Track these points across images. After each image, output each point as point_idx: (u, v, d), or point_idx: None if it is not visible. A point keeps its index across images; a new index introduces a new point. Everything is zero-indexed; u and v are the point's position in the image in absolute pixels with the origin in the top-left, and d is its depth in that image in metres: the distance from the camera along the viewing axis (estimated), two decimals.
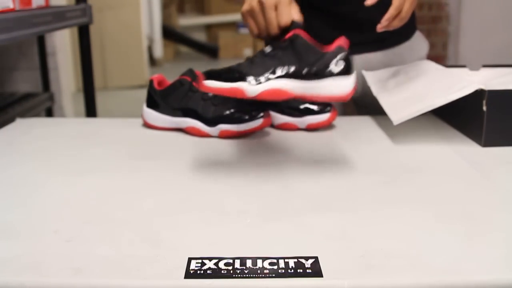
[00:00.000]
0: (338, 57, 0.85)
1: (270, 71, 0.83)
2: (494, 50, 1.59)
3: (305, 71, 0.83)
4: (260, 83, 0.82)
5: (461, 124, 1.18)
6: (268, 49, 0.86)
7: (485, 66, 1.30)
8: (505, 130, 1.07)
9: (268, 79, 0.82)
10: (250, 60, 0.85)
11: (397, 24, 1.21)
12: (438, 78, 1.17)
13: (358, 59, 1.40)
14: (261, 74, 0.83)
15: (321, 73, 0.83)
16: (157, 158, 1.03)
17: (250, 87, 0.82)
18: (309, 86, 0.83)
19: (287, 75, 0.83)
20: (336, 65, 0.84)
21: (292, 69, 0.84)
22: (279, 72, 0.83)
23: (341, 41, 0.87)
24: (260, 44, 6.05)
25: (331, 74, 0.84)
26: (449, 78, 1.15)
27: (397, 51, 1.41)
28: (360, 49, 1.40)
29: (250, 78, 0.82)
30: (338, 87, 0.84)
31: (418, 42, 1.47)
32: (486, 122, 1.06)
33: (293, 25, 0.90)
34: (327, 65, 0.84)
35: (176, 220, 0.76)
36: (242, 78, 0.82)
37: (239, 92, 0.81)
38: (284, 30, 0.95)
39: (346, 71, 0.86)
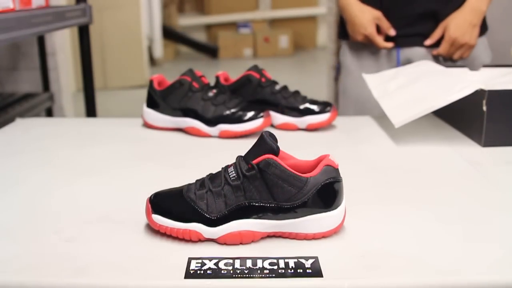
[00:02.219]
0: (322, 186, 0.68)
1: (233, 207, 0.68)
2: (494, 50, 1.59)
3: (277, 208, 0.68)
4: (219, 224, 0.68)
5: (461, 124, 1.18)
6: (232, 174, 0.69)
7: (485, 66, 1.30)
8: (505, 130, 1.07)
9: (230, 218, 0.68)
10: (208, 188, 0.70)
11: (459, 55, 1.35)
12: (438, 79, 1.17)
13: (409, 52, 1.40)
14: (221, 211, 0.68)
15: (299, 210, 0.68)
16: (157, 158, 1.03)
17: (208, 230, 0.68)
18: (282, 224, 0.69)
19: (254, 213, 0.68)
20: (319, 198, 0.68)
21: (261, 205, 0.68)
22: (244, 209, 0.68)
23: (328, 160, 0.69)
24: (260, 43, 6.04)
25: (312, 213, 0.69)
26: (449, 78, 1.15)
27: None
28: (408, 42, 1.40)
29: (207, 216, 0.68)
30: (322, 225, 0.70)
31: (478, 49, 1.39)
32: (486, 122, 1.06)
33: (264, 144, 0.69)
34: (305, 202, 0.68)
35: None
36: (197, 216, 0.68)
37: (195, 234, 0.68)
38: None
39: (332, 202, 0.70)
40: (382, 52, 1.44)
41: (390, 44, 1.38)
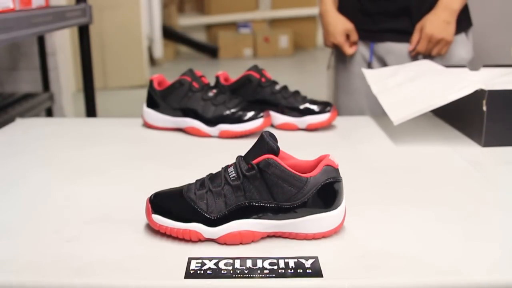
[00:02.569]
0: (322, 186, 0.68)
1: (233, 207, 0.68)
2: (494, 50, 1.59)
3: (277, 208, 0.68)
4: (219, 224, 0.68)
5: (461, 124, 1.18)
6: (232, 174, 0.69)
7: (485, 66, 1.30)
8: (504, 130, 1.07)
9: (230, 218, 0.68)
10: (208, 188, 0.70)
11: (437, 51, 1.39)
12: (438, 78, 1.17)
13: (382, 47, 1.47)
14: (221, 211, 0.68)
15: (299, 210, 0.68)
16: (157, 158, 1.03)
17: (208, 230, 0.68)
18: (282, 224, 0.69)
19: (254, 213, 0.68)
20: (319, 198, 0.68)
21: (261, 205, 0.68)
22: (244, 209, 0.68)
23: (328, 160, 0.69)
24: (260, 44, 6.05)
25: (312, 213, 0.69)
26: (449, 78, 1.15)
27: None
28: (385, 37, 1.46)
29: (207, 216, 0.68)
30: (322, 225, 0.70)
31: (456, 46, 1.41)
32: (486, 122, 1.06)
33: (264, 144, 0.69)
34: (305, 202, 0.68)
35: None
36: (197, 216, 0.68)
37: (195, 234, 0.68)
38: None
39: (332, 202, 0.70)
40: (358, 46, 1.52)
41: (353, 50, 1.49)
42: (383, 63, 1.48)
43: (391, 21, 1.43)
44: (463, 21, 1.43)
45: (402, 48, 1.43)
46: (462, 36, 1.43)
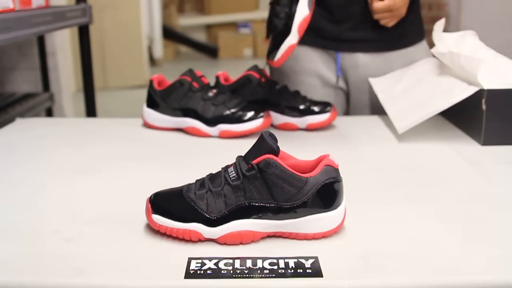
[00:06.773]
0: (322, 186, 0.68)
1: (233, 207, 0.68)
2: (494, 50, 1.59)
3: (277, 208, 0.68)
4: (219, 224, 0.68)
5: (461, 122, 1.18)
6: (232, 174, 0.69)
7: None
8: (504, 128, 1.07)
9: (230, 218, 0.68)
10: (208, 188, 0.70)
11: (389, 20, 1.29)
12: (441, 80, 1.17)
13: (345, 57, 1.36)
14: (221, 211, 0.68)
15: (299, 210, 0.68)
16: (157, 158, 1.03)
17: (208, 230, 0.68)
18: (282, 224, 0.69)
19: (254, 213, 0.68)
20: (319, 198, 0.68)
21: (261, 205, 0.68)
22: (244, 209, 0.68)
23: (328, 160, 0.70)
24: (260, 44, 6.04)
25: (312, 213, 0.69)
26: (451, 79, 1.15)
27: (389, 58, 1.35)
28: (347, 47, 1.35)
29: (207, 216, 0.68)
30: (322, 225, 0.69)
31: (415, 53, 1.36)
32: (485, 121, 1.06)
33: (264, 144, 0.69)
34: (305, 202, 0.68)
35: None
36: (197, 216, 0.69)
37: (195, 234, 0.68)
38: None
39: (332, 202, 0.70)
40: (323, 56, 1.37)
41: None
42: (344, 79, 1.38)
43: (359, 29, 1.33)
44: (422, 30, 1.41)
45: (368, 59, 1.35)
46: (423, 43, 1.40)
